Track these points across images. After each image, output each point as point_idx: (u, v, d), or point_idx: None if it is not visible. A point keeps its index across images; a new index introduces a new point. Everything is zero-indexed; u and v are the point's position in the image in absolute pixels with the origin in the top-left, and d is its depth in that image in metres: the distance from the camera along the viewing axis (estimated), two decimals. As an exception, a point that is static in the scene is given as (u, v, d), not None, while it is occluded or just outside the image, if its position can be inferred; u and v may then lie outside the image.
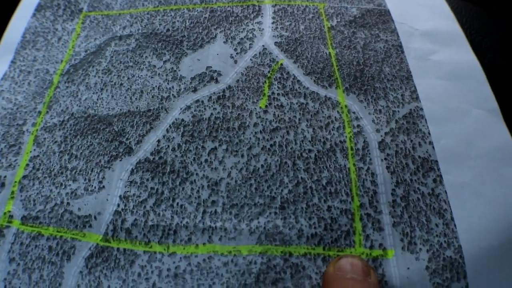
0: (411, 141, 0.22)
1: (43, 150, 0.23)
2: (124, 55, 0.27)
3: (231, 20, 0.28)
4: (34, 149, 0.23)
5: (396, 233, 0.20)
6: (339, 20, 0.27)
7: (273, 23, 0.27)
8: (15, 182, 0.22)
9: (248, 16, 0.28)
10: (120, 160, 0.23)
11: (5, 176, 0.23)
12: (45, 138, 0.24)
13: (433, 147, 0.22)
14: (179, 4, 0.29)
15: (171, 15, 0.28)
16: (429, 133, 0.23)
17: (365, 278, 0.18)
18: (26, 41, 0.28)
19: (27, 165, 0.23)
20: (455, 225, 0.20)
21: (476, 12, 0.30)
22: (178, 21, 0.28)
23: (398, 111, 0.23)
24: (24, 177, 0.23)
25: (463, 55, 0.26)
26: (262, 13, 0.28)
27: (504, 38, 0.29)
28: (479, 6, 0.32)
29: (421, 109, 0.23)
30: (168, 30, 0.28)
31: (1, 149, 0.24)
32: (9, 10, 0.30)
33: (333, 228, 0.20)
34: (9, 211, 0.22)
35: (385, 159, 0.22)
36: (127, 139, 0.23)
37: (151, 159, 0.22)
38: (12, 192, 0.22)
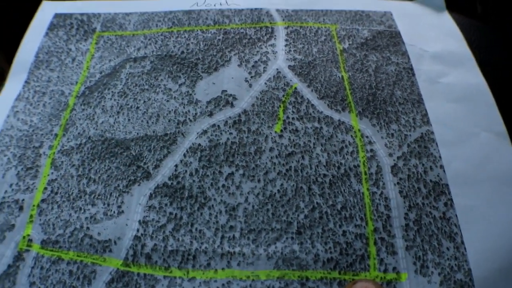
0: (423, 165, 0.23)
1: (60, 174, 0.24)
2: (140, 78, 0.27)
3: (245, 43, 0.28)
4: (52, 172, 0.24)
5: (409, 256, 0.21)
6: (351, 42, 0.28)
7: (286, 45, 0.28)
8: (34, 205, 0.23)
9: (262, 38, 0.28)
10: (139, 185, 0.23)
11: (23, 200, 0.23)
12: (62, 162, 0.24)
13: (444, 171, 0.23)
14: (193, 26, 0.29)
15: (185, 37, 0.29)
16: (440, 157, 0.23)
17: (381, 303, 0.18)
18: (39, 61, 0.28)
19: (45, 188, 0.23)
20: (465, 249, 0.21)
21: (484, 30, 0.30)
22: (192, 43, 0.28)
23: (410, 134, 0.24)
24: (43, 200, 0.23)
25: (472, 78, 0.26)
26: (275, 35, 0.28)
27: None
28: (483, 21, 0.32)
29: (432, 132, 0.24)
30: (182, 52, 0.28)
31: (18, 172, 0.24)
32: (22, 28, 0.30)
33: (348, 253, 0.21)
34: (28, 235, 0.22)
35: (398, 183, 0.22)
36: (144, 163, 0.24)
37: (169, 184, 0.23)
38: (31, 216, 0.22)
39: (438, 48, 0.28)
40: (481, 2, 0.36)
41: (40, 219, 0.22)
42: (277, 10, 0.30)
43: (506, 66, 0.28)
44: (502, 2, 0.35)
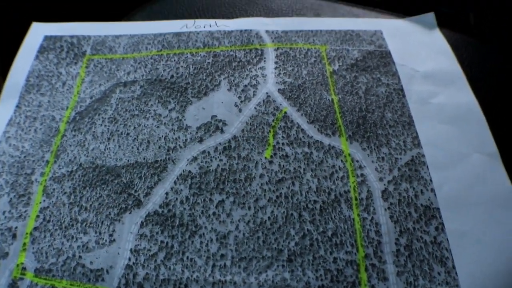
0: (414, 189, 0.23)
1: (52, 201, 0.24)
2: (130, 103, 0.27)
3: (235, 66, 0.28)
4: (44, 200, 0.24)
5: (400, 282, 0.21)
6: (340, 64, 0.28)
7: (276, 68, 0.28)
8: (27, 233, 0.23)
9: (251, 61, 0.28)
10: (130, 213, 0.23)
11: (16, 227, 0.23)
12: (54, 189, 0.24)
13: (435, 195, 0.23)
14: (182, 48, 0.29)
15: (174, 60, 0.29)
16: (430, 180, 0.23)
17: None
18: (30, 85, 0.28)
19: (38, 216, 0.23)
20: (456, 273, 0.21)
21: (476, 46, 0.30)
22: (182, 66, 0.28)
23: (401, 158, 0.24)
24: (35, 228, 0.23)
25: (463, 97, 0.26)
26: (264, 58, 0.28)
27: (503, 73, 0.29)
28: (476, 34, 0.32)
29: (423, 155, 0.24)
30: (172, 76, 0.28)
31: (10, 199, 0.24)
32: (12, 51, 0.30)
33: (339, 280, 0.21)
34: (22, 263, 0.22)
35: (389, 208, 0.22)
36: (135, 191, 0.24)
37: (160, 212, 0.23)
38: (24, 244, 0.23)
39: (429, 68, 0.27)
40: (474, 13, 0.36)
41: (33, 247, 0.22)
42: (267, 31, 0.30)
43: (498, 79, 0.28)
44: (496, 12, 0.35)
